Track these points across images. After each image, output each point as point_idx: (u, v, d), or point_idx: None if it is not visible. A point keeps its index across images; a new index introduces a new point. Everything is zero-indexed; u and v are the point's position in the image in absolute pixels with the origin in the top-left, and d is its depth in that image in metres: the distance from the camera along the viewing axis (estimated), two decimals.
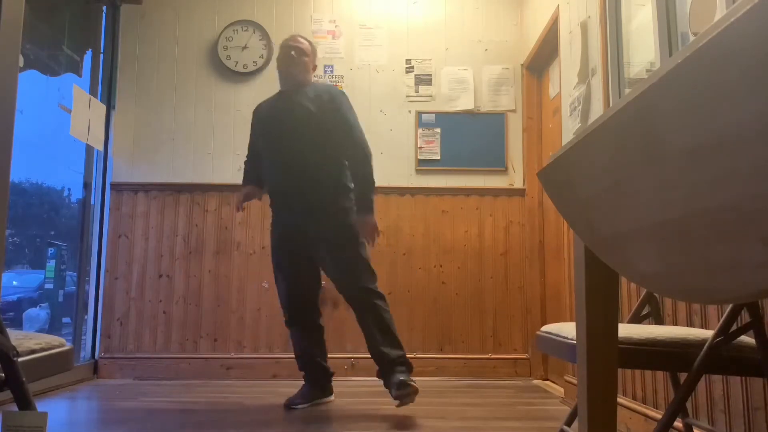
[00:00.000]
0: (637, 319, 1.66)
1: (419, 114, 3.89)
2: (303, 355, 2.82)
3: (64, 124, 3.31)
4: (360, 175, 2.68)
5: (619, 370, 2.26)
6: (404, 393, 2.51)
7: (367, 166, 2.68)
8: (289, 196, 2.73)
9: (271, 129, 2.78)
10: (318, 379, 2.83)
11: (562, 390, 3.17)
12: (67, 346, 1.35)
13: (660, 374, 2.01)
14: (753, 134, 0.48)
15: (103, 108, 3.70)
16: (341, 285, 2.71)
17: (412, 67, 3.94)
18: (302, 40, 2.88)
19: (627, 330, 1.29)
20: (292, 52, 2.81)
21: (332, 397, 2.89)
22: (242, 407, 2.70)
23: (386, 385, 2.61)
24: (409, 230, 3.79)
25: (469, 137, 3.88)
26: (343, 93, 2.82)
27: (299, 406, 2.71)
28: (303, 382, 2.83)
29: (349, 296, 2.69)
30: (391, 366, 2.61)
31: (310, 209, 2.70)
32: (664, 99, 0.63)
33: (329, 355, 3.66)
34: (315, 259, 2.77)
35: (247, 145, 3.04)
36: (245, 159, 3.01)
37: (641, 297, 1.67)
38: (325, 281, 3.74)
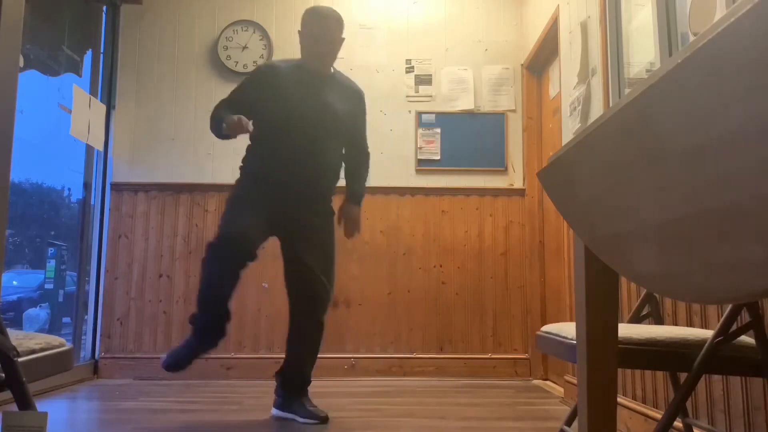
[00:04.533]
0: (637, 319, 1.66)
1: (419, 114, 3.89)
2: (223, 290, 2.43)
3: (64, 124, 3.31)
4: (361, 176, 2.75)
5: (619, 370, 2.26)
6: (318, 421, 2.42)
7: (367, 170, 2.79)
8: (288, 180, 2.54)
9: (294, 109, 2.54)
10: (219, 327, 2.44)
11: (562, 390, 3.17)
12: (67, 346, 1.35)
13: (660, 374, 2.01)
14: (753, 134, 0.48)
15: (103, 108, 3.70)
16: (305, 274, 2.51)
17: (412, 67, 3.94)
18: (332, 25, 2.55)
19: (627, 330, 1.29)
20: (327, 31, 2.52)
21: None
22: (242, 407, 2.70)
23: (290, 407, 2.49)
24: (409, 230, 3.79)
25: (469, 137, 3.88)
26: (363, 94, 2.75)
27: (179, 370, 2.39)
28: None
29: (306, 289, 2.52)
30: (303, 388, 2.54)
31: (304, 200, 2.56)
32: (664, 99, 0.63)
33: (328, 355, 3.66)
34: (283, 234, 2.58)
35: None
36: (218, 107, 2.58)
37: (641, 297, 1.67)
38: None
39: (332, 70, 2.67)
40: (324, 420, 2.42)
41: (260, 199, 2.52)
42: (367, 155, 2.77)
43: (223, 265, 2.41)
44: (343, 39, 2.65)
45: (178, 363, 2.39)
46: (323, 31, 2.52)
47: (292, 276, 2.56)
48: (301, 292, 2.53)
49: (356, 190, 2.70)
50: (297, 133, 2.55)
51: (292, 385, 2.53)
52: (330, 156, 2.60)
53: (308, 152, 2.54)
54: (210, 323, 2.43)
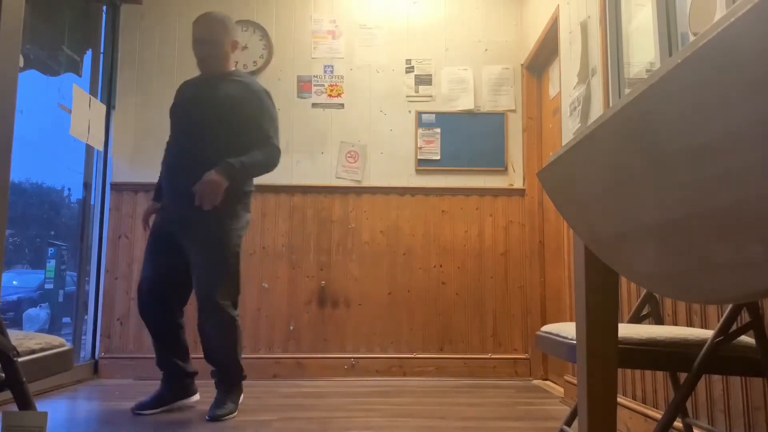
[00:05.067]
0: (637, 319, 1.66)
1: (419, 114, 3.89)
2: (161, 343, 2.66)
3: (64, 124, 3.31)
4: (250, 154, 2.58)
5: (619, 370, 2.27)
6: (223, 416, 2.49)
7: (264, 156, 2.61)
8: (177, 188, 2.59)
9: (176, 114, 2.73)
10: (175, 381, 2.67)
11: (562, 390, 3.17)
12: (67, 346, 1.35)
13: (660, 374, 2.01)
14: (753, 135, 0.48)
15: (103, 108, 3.70)
16: (196, 274, 2.54)
17: (412, 67, 3.94)
18: (212, 27, 2.65)
19: (627, 330, 1.29)
20: (205, 32, 2.65)
21: (195, 397, 2.77)
22: (242, 407, 2.70)
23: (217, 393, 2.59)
24: (409, 230, 3.79)
25: (469, 137, 3.88)
26: (263, 92, 2.69)
27: (146, 412, 2.54)
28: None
29: (200, 288, 2.53)
30: (225, 379, 2.63)
31: (188, 202, 2.53)
32: (664, 99, 0.63)
33: (328, 355, 3.66)
34: (186, 253, 2.60)
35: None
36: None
37: (641, 297, 1.67)
38: (324, 281, 3.75)
39: (232, 70, 2.74)
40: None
41: (160, 223, 2.66)
42: (270, 146, 2.63)
43: (149, 317, 2.62)
44: (234, 40, 2.74)
45: (143, 406, 2.57)
46: (201, 33, 2.67)
47: (192, 276, 2.57)
48: (198, 291, 2.53)
49: (228, 161, 2.53)
50: (178, 136, 2.69)
51: (220, 377, 2.63)
52: (212, 153, 2.56)
53: (187, 154, 2.63)
54: (168, 373, 2.66)
